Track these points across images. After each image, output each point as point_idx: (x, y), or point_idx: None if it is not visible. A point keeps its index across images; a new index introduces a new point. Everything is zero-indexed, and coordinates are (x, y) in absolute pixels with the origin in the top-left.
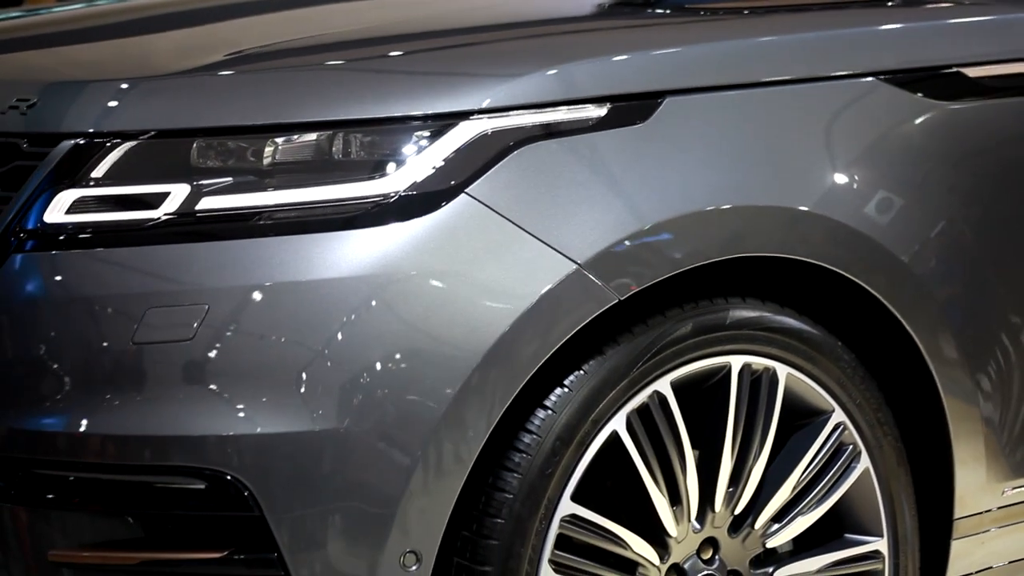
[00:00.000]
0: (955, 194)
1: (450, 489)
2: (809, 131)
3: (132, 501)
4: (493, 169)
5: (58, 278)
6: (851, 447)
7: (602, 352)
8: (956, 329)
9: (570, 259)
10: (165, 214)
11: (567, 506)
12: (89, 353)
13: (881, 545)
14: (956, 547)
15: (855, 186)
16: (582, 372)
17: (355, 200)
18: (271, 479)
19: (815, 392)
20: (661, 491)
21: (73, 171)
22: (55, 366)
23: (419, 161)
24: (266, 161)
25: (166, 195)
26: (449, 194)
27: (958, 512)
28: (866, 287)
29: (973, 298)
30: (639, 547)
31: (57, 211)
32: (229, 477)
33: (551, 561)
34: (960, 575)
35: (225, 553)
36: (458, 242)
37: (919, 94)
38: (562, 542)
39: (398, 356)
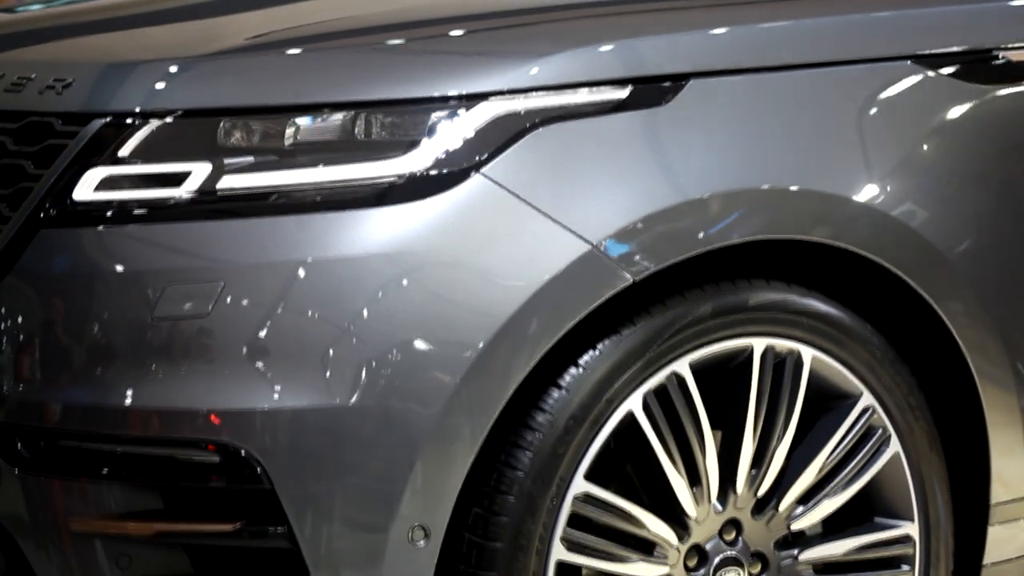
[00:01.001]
0: (992, 180)
1: (459, 466)
2: (840, 115)
3: (149, 473)
4: (510, 150)
5: (83, 254)
6: (880, 430)
7: (618, 332)
8: (991, 315)
9: (584, 239)
10: (187, 192)
11: (580, 485)
12: (111, 328)
13: (912, 529)
14: (994, 533)
15: (886, 171)
16: (597, 352)
17: (372, 180)
18: (282, 453)
19: (843, 375)
20: (679, 471)
21: (101, 149)
22: (78, 340)
23: (436, 142)
24: (287, 141)
25: (188, 174)
26: (464, 175)
27: (995, 498)
28: (897, 272)
29: (1008, 284)
30: (655, 527)
31: (85, 188)
32: (241, 451)
33: (563, 539)
34: (998, 560)
35: (237, 525)
36: (471, 222)
37: (957, 78)
38: (576, 521)
39: (409, 334)
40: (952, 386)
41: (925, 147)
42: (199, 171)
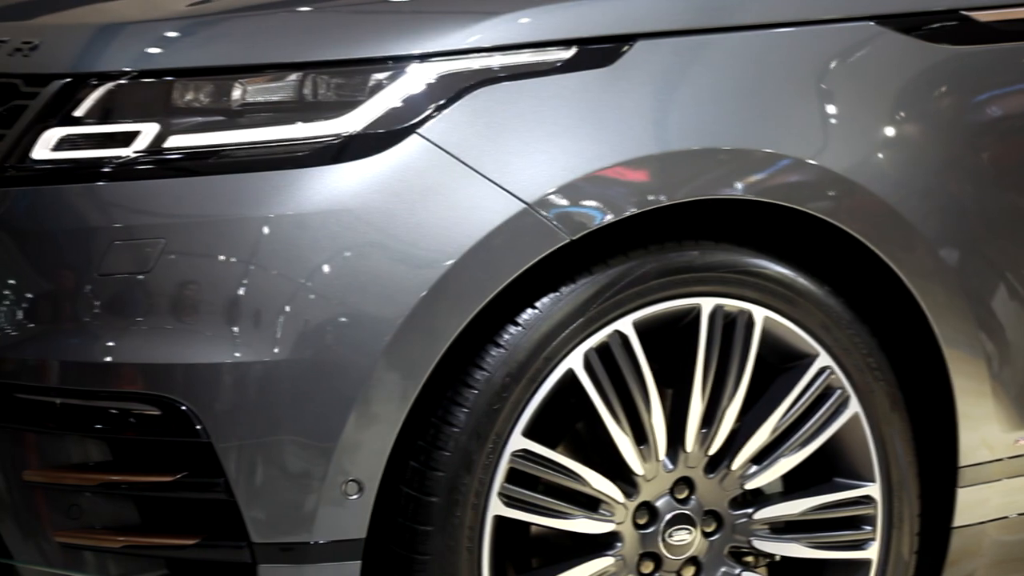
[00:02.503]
0: (957, 142)
1: (392, 422)
2: (796, 77)
3: (95, 425)
4: (448, 110)
5: (39, 212)
6: (839, 391)
7: (558, 291)
8: (955, 278)
9: (518, 198)
10: (135, 152)
11: (518, 441)
12: (62, 284)
13: (873, 490)
14: (963, 495)
15: (842, 133)
16: (536, 310)
17: (311, 140)
18: (217, 407)
19: (797, 336)
20: (623, 429)
21: (58, 110)
22: (33, 296)
23: (375, 103)
24: (230, 102)
25: (137, 134)
26: (401, 135)
27: (963, 460)
28: (853, 233)
29: (973, 246)
30: (598, 483)
31: (43, 148)
32: (178, 404)
33: (501, 494)
34: (971, 523)
35: (177, 477)
36: (407, 181)
37: (922, 39)
38: (517, 477)
39: (344, 291)
40: (919, 350)
41: (884, 109)
42: (148, 131)
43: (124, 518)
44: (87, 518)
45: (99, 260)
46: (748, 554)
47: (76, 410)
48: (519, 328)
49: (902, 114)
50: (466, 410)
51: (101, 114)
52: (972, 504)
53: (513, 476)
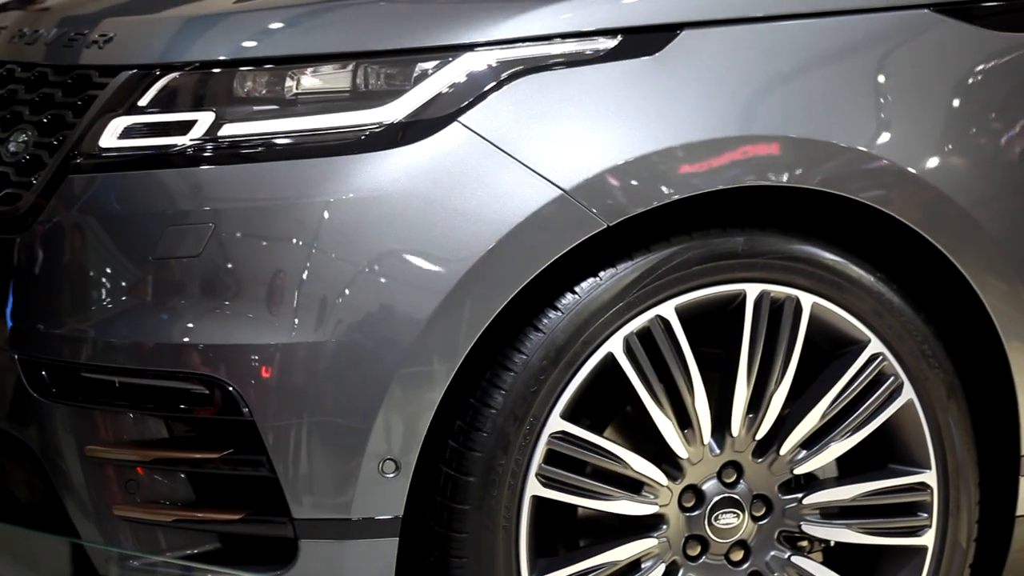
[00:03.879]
0: (1013, 129)
1: (428, 404)
2: (847, 66)
3: (148, 404)
4: (489, 98)
5: (101, 199)
6: (892, 378)
7: (598, 276)
8: (1016, 269)
9: (556, 184)
10: (191, 139)
11: (556, 423)
12: (118, 268)
13: (928, 477)
14: None
15: (894, 121)
16: (575, 295)
17: (357, 128)
18: (260, 387)
19: (848, 322)
20: (666, 413)
21: (125, 99)
22: (93, 279)
23: (418, 92)
24: (280, 91)
25: (194, 122)
26: (443, 123)
27: None
28: (907, 222)
29: None
30: (639, 466)
31: (110, 136)
32: (223, 384)
33: (539, 475)
34: None
35: (224, 454)
36: (447, 168)
37: (977, 25)
38: (559, 458)
39: (381, 275)
40: (981, 339)
41: (939, 97)
42: (204, 119)
43: (178, 494)
44: (143, 493)
45: (153, 244)
46: (802, 539)
47: (131, 389)
48: (558, 312)
49: (957, 102)
50: (503, 392)
51: (163, 103)
52: None
53: (554, 457)
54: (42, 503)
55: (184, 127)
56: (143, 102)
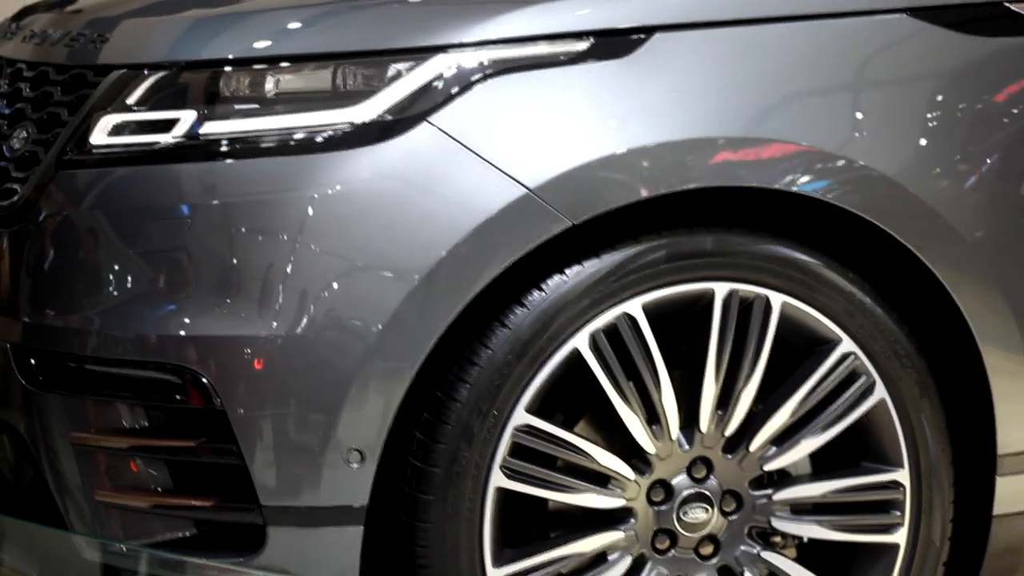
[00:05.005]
0: (985, 130)
1: (391, 397)
2: (818, 70)
3: (125, 392)
4: (459, 99)
5: (89, 195)
6: (864, 377)
7: (564, 273)
8: (990, 270)
9: (521, 183)
10: (174, 137)
11: (521, 417)
12: (100, 262)
13: (901, 476)
14: (1003, 484)
15: (865, 123)
16: (542, 292)
17: (330, 126)
18: (230, 377)
19: (819, 321)
20: (633, 409)
21: (114, 98)
22: (77, 273)
23: (390, 92)
24: (262, 90)
25: (176, 121)
26: (412, 122)
27: (1002, 449)
28: (880, 225)
29: (1007, 237)
30: (605, 460)
31: (100, 134)
32: (195, 374)
33: (503, 467)
34: (1010, 512)
35: (196, 442)
36: (414, 166)
37: (953, 30)
38: (522, 451)
39: (349, 270)
40: (956, 338)
41: (905, 98)
42: (186, 118)
43: (156, 482)
44: (124, 480)
45: (134, 239)
46: (774, 535)
47: (110, 378)
48: (524, 309)
49: (928, 105)
50: (469, 386)
51: (149, 102)
52: (1014, 493)
53: (519, 450)
54: (32, 489)
55: (168, 125)
56: (131, 100)
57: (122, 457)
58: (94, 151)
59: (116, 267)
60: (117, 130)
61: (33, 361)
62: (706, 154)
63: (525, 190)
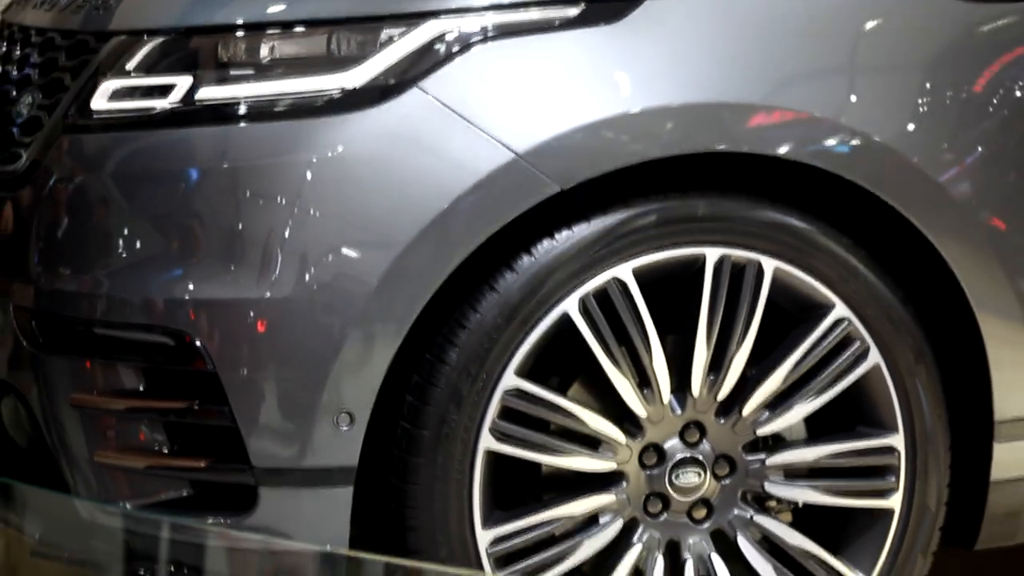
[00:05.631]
0: (981, 96)
1: (380, 359)
2: (814, 33)
3: (120, 354)
4: (449, 65)
5: (88, 159)
6: (858, 342)
7: (553, 237)
8: (985, 237)
9: (509, 148)
10: (170, 103)
11: (510, 380)
12: (96, 226)
13: (896, 440)
14: (1000, 450)
15: (859, 89)
16: (531, 256)
17: (322, 92)
18: (221, 340)
19: (812, 287)
20: (623, 373)
21: (114, 63)
22: (74, 236)
23: (382, 57)
24: (256, 56)
25: (173, 86)
26: (403, 88)
27: (999, 415)
28: (874, 191)
29: (1004, 207)
30: (595, 423)
31: (100, 99)
32: (187, 336)
33: (492, 430)
34: (1011, 478)
35: (190, 404)
36: (403, 131)
37: None
38: (512, 414)
39: (339, 233)
40: (953, 304)
41: (901, 64)
42: (182, 83)
43: (152, 443)
44: (121, 441)
45: (130, 203)
46: (769, 499)
47: (107, 340)
48: (513, 273)
49: (924, 71)
50: (458, 349)
51: (147, 68)
52: (1011, 459)
53: (508, 413)
54: (35, 450)
55: (165, 91)
56: (130, 66)
57: (119, 419)
58: (95, 116)
59: (112, 231)
60: (117, 95)
61: (34, 323)
62: (698, 119)
63: (513, 155)
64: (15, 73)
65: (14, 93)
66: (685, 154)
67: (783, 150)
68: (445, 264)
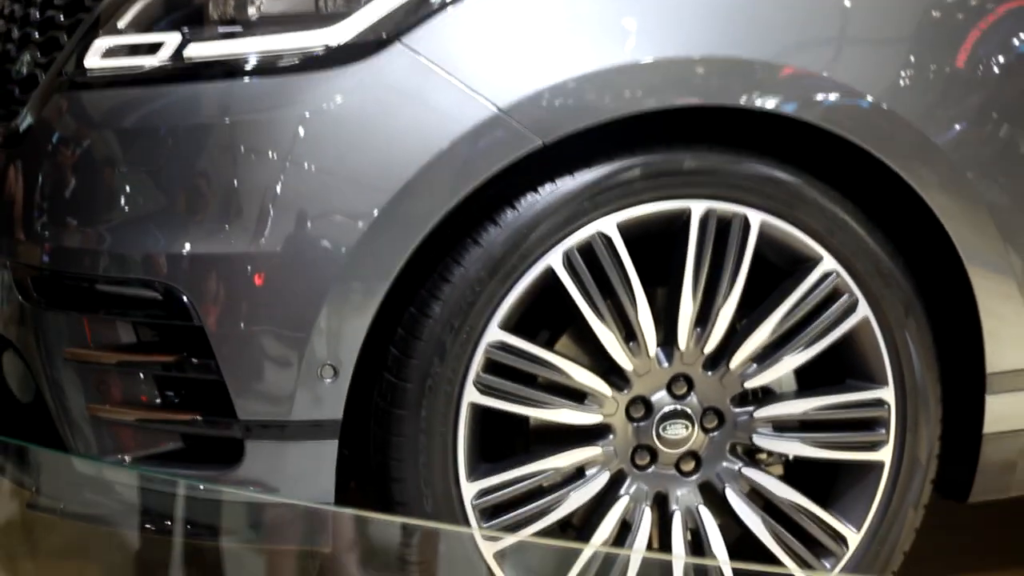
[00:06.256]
0: (967, 47)
1: (364, 313)
2: None
3: (113, 308)
4: (432, 20)
5: (82, 116)
6: (846, 295)
7: (537, 191)
8: (969, 186)
9: (491, 102)
10: (159, 60)
11: (494, 333)
12: (88, 182)
13: (885, 393)
14: (993, 401)
15: (844, 42)
16: (515, 210)
17: (308, 48)
18: (207, 294)
19: (800, 240)
20: (608, 326)
21: (107, 22)
22: (66, 192)
23: (366, 12)
24: (244, 13)
25: (162, 44)
26: (386, 43)
27: (991, 367)
28: (859, 143)
29: (994, 161)
30: (580, 376)
31: (93, 57)
32: (174, 290)
33: (476, 383)
34: (1004, 430)
35: (178, 357)
36: (387, 86)
37: None
38: (497, 367)
39: (322, 189)
40: (945, 258)
41: (886, 17)
42: (171, 41)
43: (144, 397)
44: (114, 395)
45: (120, 159)
46: (760, 452)
47: (98, 295)
48: (497, 226)
49: (909, 23)
50: (441, 302)
51: (139, 25)
52: (1004, 412)
53: (493, 366)
54: (36, 405)
55: (154, 48)
56: (122, 24)
57: (111, 373)
58: (88, 74)
59: (104, 188)
60: (110, 53)
61: (29, 279)
62: (684, 74)
63: (495, 110)
64: (17, 32)
65: (15, 52)
66: (665, 109)
67: (776, 106)
68: (429, 218)
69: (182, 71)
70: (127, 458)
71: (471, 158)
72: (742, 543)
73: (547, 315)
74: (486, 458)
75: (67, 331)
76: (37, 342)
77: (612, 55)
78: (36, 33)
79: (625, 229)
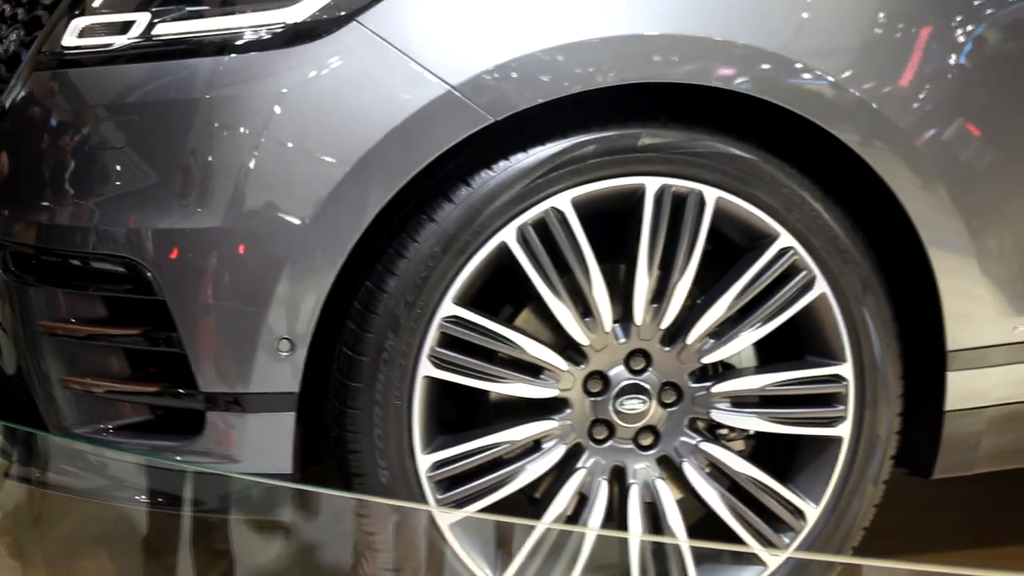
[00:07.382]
0: (937, 33)
1: (319, 287)
2: None
3: (76, 281)
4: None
5: (57, 94)
6: (804, 272)
7: (491, 168)
8: (932, 169)
9: (443, 80)
10: (128, 39)
11: (449, 308)
12: (60, 159)
13: (843, 370)
14: (954, 378)
15: (805, 21)
16: (468, 186)
17: (265, 27)
18: (169, 269)
19: (756, 217)
20: (563, 301)
21: (83, 1)
22: (39, 169)
23: None
24: None
25: (132, 23)
26: (342, 22)
27: (951, 344)
28: (819, 123)
29: (953, 140)
30: (534, 350)
31: (70, 36)
32: (137, 264)
33: (431, 357)
34: (962, 407)
35: (142, 330)
36: (342, 65)
37: None
38: (452, 341)
39: (278, 166)
40: (905, 237)
41: None
42: (141, 20)
43: (113, 369)
44: (84, 367)
45: (89, 137)
46: (720, 428)
47: (66, 269)
48: (451, 203)
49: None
50: (396, 277)
51: (112, 5)
52: (966, 389)
53: (448, 340)
54: (17, 378)
55: (125, 27)
56: (97, 3)
57: (82, 345)
58: (65, 52)
59: (75, 164)
60: (85, 32)
61: (8, 253)
62: (638, 51)
63: (447, 87)
64: (8, 10)
65: (3, 30)
66: (616, 85)
67: (728, 82)
68: (382, 195)
69: (151, 49)
70: (110, 427)
71: (424, 135)
72: (708, 522)
73: (511, 291)
74: (450, 431)
75: (42, 304)
76: (15, 314)
77: (561, 33)
78: (23, 12)
79: (581, 205)
